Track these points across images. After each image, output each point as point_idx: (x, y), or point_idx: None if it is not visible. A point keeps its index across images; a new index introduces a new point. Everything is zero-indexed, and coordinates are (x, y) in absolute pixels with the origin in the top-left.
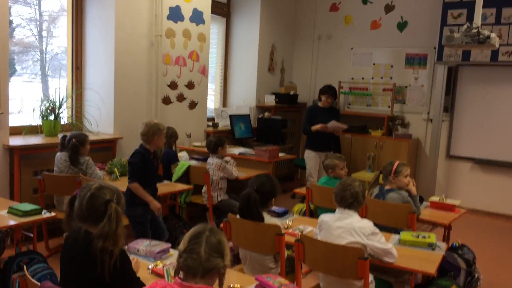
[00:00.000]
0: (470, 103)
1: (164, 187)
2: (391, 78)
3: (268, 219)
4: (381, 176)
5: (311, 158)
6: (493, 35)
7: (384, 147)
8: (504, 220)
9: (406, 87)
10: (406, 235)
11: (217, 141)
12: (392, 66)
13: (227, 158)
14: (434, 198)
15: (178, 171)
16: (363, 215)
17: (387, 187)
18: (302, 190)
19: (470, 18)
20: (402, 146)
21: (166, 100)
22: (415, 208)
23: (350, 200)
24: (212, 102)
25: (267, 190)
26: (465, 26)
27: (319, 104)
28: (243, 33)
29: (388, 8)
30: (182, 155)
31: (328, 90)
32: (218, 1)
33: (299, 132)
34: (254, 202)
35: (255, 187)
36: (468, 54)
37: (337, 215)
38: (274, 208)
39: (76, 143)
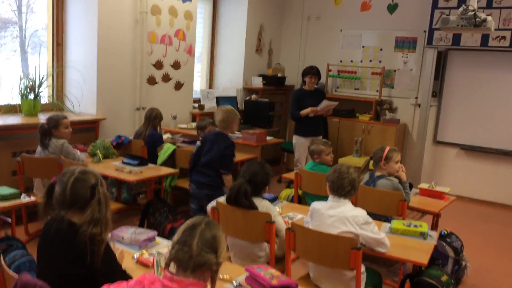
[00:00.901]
0: (459, 88)
1: (149, 171)
2: (380, 61)
3: (260, 202)
4: (371, 162)
5: (300, 144)
6: (489, 18)
7: (371, 131)
8: (489, 207)
9: (395, 71)
10: (397, 224)
11: (200, 125)
12: (381, 49)
13: None
14: (424, 185)
15: (163, 154)
16: (352, 203)
17: (377, 173)
18: (290, 175)
19: (461, 1)
20: (390, 131)
21: (151, 80)
22: (405, 195)
23: (348, 188)
24: (198, 83)
25: (260, 180)
26: (461, 9)
27: (304, 87)
28: (230, 12)
29: None
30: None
31: (310, 70)
32: None
33: (287, 115)
34: (245, 193)
35: (248, 177)
36: (458, 38)
37: (330, 203)
38: (263, 195)
39: (45, 126)
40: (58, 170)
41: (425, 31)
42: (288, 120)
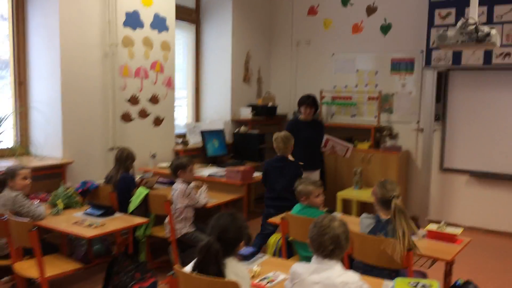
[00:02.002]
0: (463, 111)
1: (114, 222)
2: (376, 85)
3: (231, 264)
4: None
5: None
6: (493, 31)
7: (372, 160)
8: (507, 239)
9: (393, 95)
10: (401, 284)
11: (178, 163)
12: (376, 73)
13: (196, 183)
14: (432, 227)
15: (135, 200)
16: (349, 255)
17: (383, 216)
18: (276, 220)
19: (459, 17)
20: (392, 159)
21: (126, 117)
22: (412, 243)
23: (331, 247)
24: (185, 116)
25: (232, 237)
26: (460, 23)
27: (300, 117)
28: (214, 41)
29: (370, 10)
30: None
31: (306, 100)
32: (185, 7)
33: None
34: (215, 256)
35: (217, 234)
36: (459, 57)
37: (314, 265)
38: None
39: (0, 176)
40: (3, 228)
41: (422, 51)
42: None
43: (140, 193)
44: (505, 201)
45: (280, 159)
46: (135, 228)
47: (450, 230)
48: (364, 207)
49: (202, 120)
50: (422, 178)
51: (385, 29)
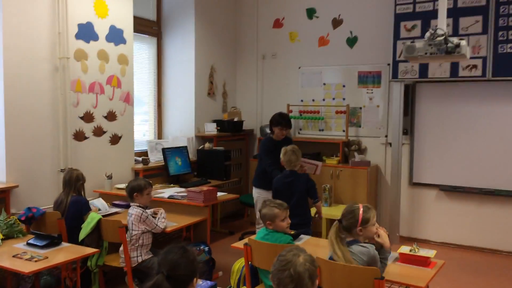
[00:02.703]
0: (431, 124)
1: (60, 254)
2: (343, 99)
3: None
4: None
5: (262, 198)
6: (463, 42)
7: (340, 176)
8: (478, 254)
9: (361, 108)
10: None
11: (134, 185)
12: (344, 86)
13: (154, 210)
14: (405, 250)
15: (85, 227)
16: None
17: (348, 238)
18: (239, 245)
19: (425, 29)
20: (361, 174)
21: (79, 135)
22: (381, 268)
23: (290, 286)
24: (147, 133)
25: (184, 273)
26: (428, 34)
27: (273, 137)
28: (177, 54)
29: (336, 23)
30: (96, 203)
31: (281, 120)
32: (145, 19)
33: (247, 163)
34: None
35: (165, 272)
36: (425, 69)
37: None
38: (197, 284)
39: None
40: None
41: (389, 64)
42: (249, 168)
43: (92, 218)
44: (474, 216)
45: (290, 173)
46: (86, 257)
47: (423, 252)
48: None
49: (165, 137)
50: (391, 193)
51: (351, 41)
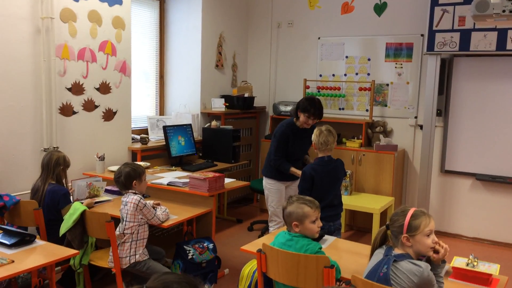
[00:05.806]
0: (470, 105)
1: (33, 255)
2: (368, 74)
3: None
4: (388, 232)
5: (274, 191)
6: None
7: (363, 161)
8: None
9: (388, 85)
10: None
11: (129, 172)
12: (369, 59)
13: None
14: (460, 263)
15: (67, 220)
16: None
17: (396, 250)
18: (251, 248)
19: None
20: (386, 159)
21: (67, 110)
22: None
23: None
24: (148, 109)
25: None
26: None
27: (297, 123)
28: (182, 20)
29: None
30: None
31: (310, 108)
32: None
33: (257, 145)
34: None
35: None
36: (467, 41)
37: None
38: None
39: None
40: None
41: (422, 35)
42: (260, 150)
43: (75, 209)
44: None
45: (329, 160)
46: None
47: (483, 268)
48: (355, 217)
49: (167, 113)
50: (420, 182)
51: (380, 8)
